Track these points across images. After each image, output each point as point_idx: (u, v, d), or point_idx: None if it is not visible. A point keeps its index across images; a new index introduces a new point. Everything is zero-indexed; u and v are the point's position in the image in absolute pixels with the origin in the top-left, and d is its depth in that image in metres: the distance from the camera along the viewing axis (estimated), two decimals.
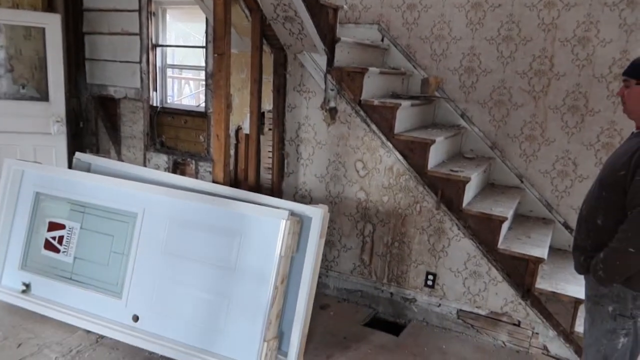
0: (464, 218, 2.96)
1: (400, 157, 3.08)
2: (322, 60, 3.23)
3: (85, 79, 5.54)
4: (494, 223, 2.89)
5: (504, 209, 2.98)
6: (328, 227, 3.31)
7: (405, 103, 3.20)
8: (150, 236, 2.73)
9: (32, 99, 5.11)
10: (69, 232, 2.96)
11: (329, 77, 3.23)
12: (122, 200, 2.84)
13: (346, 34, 3.94)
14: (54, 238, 2.98)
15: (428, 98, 3.63)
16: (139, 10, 5.09)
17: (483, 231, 2.92)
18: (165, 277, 2.66)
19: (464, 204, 2.98)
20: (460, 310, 3.08)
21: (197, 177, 5.02)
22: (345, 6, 3.39)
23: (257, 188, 3.37)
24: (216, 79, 2.85)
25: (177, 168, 5.07)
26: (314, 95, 3.30)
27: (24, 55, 5.21)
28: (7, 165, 3.09)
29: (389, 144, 3.11)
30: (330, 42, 3.20)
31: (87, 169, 3.39)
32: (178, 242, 2.66)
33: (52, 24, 4.92)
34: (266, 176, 3.52)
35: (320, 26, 3.09)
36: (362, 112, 3.16)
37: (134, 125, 5.34)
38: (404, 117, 3.21)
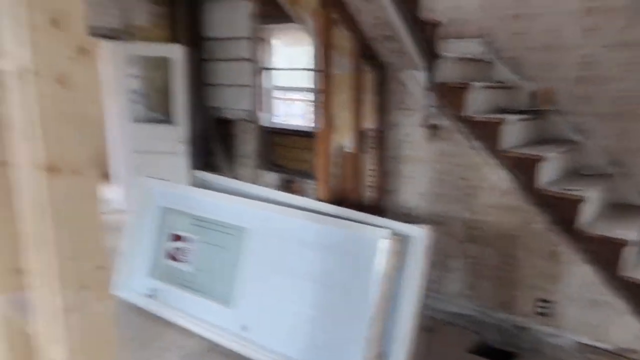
0: (580, 240, 2.73)
1: (507, 175, 2.94)
2: (422, 77, 3.21)
3: (205, 103, 6.06)
4: (615, 246, 2.63)
5: (628, 231, 2.70)
6: (432, 246, 3.27)
7: (511, 118, 3.06)
8: (258, 250, 2.91)
9: (161, 122, 5.72)
10: (188, 243, 3.25)
11: (429, 93, 3.20)
12: (233, 216, 3.06)
13: (448, 49, 3.88)
14: (176, 249, 3.30)
15: (537, 112, 3.42)
16: (250, 38, 5.46)
17: (603, 255, 2.67)
18: (271, 289, 2.81)
19: (581, 225, 2.75)
20: (579, 342, 2.83)
21: (304, 195, 5.22)
22: (445, 21, 3.35)
23: (360, 206, 3.42)
24: (319, 100, 2.98)
25: (285, 185, 5.32)
26: (414, 112, 3.29)
27: (155, 83, 5.86)
28: (141, 183, 3.50)
29: (494, 160, 2.99)
30: (430, 58, 3.18)
31: (204, 185, 3.71)
32: (283, 257, 2.80)
33: (177, 55, 5.48)
34: (369, 194, 3.56)
35: (419, 43, 3.08)
36: (464, 129, 3.08)
37: (246, 145, 5.71)
38: (511, 132, 3.07)
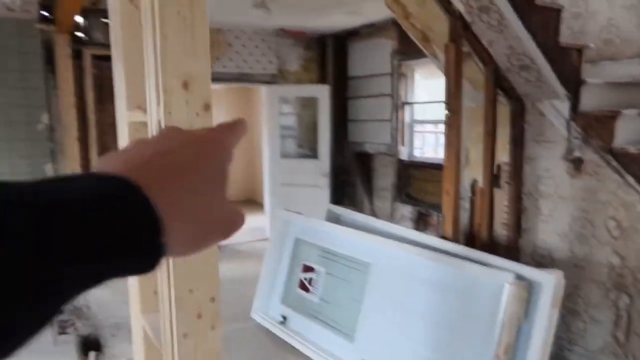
0: None
1: None
2: (564, 106, 2.96)
3: (347, 138, 6.34)
4: None
5: None
6: (571, 295, 2.93)
7: None
8: (381, 286, 2.93)
9: (306, 157, 6.14)
10: (317, 275, 3.41)
11: (572, 124, 2.92)
12: (359, 251, 3.14)
13: (599, 73, 3.50)
14: (306, 279, 3.49)
15: None
16: (391, 74, 5.60)
17: None
18: (391, 326, 2.80)
19: None
20: None
21: (438, 229, 5.08)
22: (592, 45, 3.04)
23: (490, 245, 3.23)
24: (447, 134, 2.94)
25: (420, 219, 5.25)
26: (554, 145, 3.03)
27: (303, 121, 6.34)
28: (279, 214, 3.80)
29: None
30: (573, 86, 2.91)
31: (337, 219, 3.88)
32: (404, 295, 2.78)
33: (323, 94, 5.87)
34: (502, 232, 3.34)
35: (560, 70, 2.86)
36: (614, 162, 2.74)
37: (384, 178, 5.79)
38: None
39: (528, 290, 2.28)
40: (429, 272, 2.66)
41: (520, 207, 3.24)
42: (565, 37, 3.65)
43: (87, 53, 5.08)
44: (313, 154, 6.02)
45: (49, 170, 5.03)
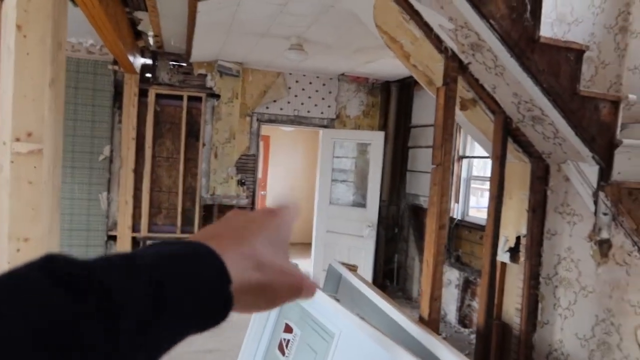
0: None
1: None
2: (592, 172, 2.32)
3: (403, 189, 5.87)
4: None
5: None
6: None
7: None
8: None
9: (356, 205, 5.79)
10: (294, 337, 3.04)
11: (601, 195, 2.27)
12: (329, 318, 2.73)
13: None
14: (284, 340, 3.13)
15: None
16: None
17: None
18: None
19: None
20: None
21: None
22: (631, 96, 2.35)
23: (486, 335, 2.60)
24: (431, 193, 2.47)
25: (467, 286, 4.56)
26: (580, 219, 2.38)
27: (357, 167, 6.02)
28: None
29: None
30: (603, 147, 2.27)
31: (339, 278, 3.48)
32: None
33: (376, 140, 5.54)
34: (516, 320, 2.68)
35: (582, 126, 2.25)
36: None
37: None
38: None
39: None
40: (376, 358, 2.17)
41: (536, 292, 2.57)
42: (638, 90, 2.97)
43: (152, 92, 5.41)
44: (363, 202, 5.65)
45: (103, 198, 5.35)
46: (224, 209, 5.69)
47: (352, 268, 3.52)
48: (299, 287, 0.44)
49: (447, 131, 2.41)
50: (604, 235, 2.24)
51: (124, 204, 5.46)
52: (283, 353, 3.10)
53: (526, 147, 2.61)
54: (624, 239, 2.14)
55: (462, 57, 2.36)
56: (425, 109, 5.64)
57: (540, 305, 2.56)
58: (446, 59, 2.39)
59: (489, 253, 2.61)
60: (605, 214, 2.24)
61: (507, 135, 2.55)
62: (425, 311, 2.43)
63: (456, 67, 2.39)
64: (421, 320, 2.44)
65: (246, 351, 3.45)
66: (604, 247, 2.23)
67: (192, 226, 5.61)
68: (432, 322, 2.41)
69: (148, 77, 5.44)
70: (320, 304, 2.85)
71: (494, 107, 2.52)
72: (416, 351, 2.04)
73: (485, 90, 2.46)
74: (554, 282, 2.49)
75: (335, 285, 3.42)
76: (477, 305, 4.54)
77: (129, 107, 5.39)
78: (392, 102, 6.01)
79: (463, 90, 2.53)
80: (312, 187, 8.40)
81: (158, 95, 5.48)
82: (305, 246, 8.02)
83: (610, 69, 3.15)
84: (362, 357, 2.31)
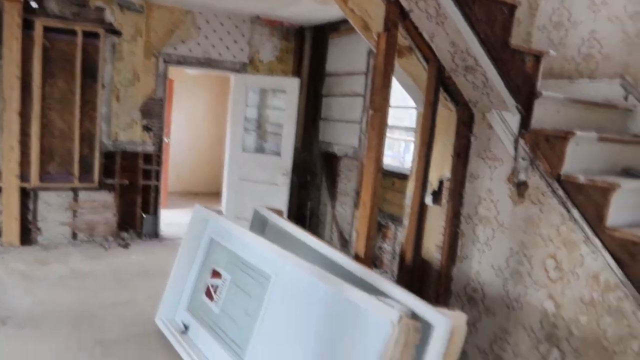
0: None
1: (613, 263, 2.08)
2: (514, 120, 2.53)
3: (316, 137, 5.93)
4: None
5: None
6: (500, 340, 2.51)
7: (631, 184, 2.19)
8: (276, 304, 2.52)
9: (270, 152, 5.74)
10: (223, 282, 3.01)
11: (521, 142, 2.49)
12: (263, 261, 2.74)
13: (575, 90, 3.07)
14: (212, 286, 3.09)
15: None
16: (366, 73, 5.19)
17: None
18: (276, 351, 2.39)
19: None
20: None
21: (394, 242, 4.67)
22: (552, 53, 2.60)
23: (416, 270, 2.81)
24: (368, 136, 2.52)
25: (378, 229, 4.83)
26: (500, 163, 2.60)
27: (268, 114, 5.93)
28: (196, 211, 3.41)
29: (596, 240, 2.15)
30: (525, 97, 2.48)
31: (264, 223, 3.48)
32: (295, 318, 2.37)
33: (291, 87, 5.46)
34: (437, 256, 2.92)
35: (510, 77, 2.42)
36: (560, 192, 2.30)
37: (348, 183, 5.38)
38: (630, 204, 2.19)
39: (418, 334, 1.86)
40: (322, 296, 2.25)
41: (456, 230, 2.81)
42: (543, 46, 3.23)
43: (39, 24, 4.74)
44: (277, 150, 5.62)
45: None
46: (128, 156, 5.32)
47: (278, 212, 3.54)
48: None
49: (387, 77, 2.45)
50: (522, 177, 2.48)
51: (9, 149, 4.87)
52: (211, 299, 3.10)
53: (454, 96, 2.75)
54: (539, 180, 2.39)
55: (404, 4, 2.39)
56: (340, 57, 5.67)
57: (460, 242, 2.80)
58: (388, 3, 2.39)
59: (418, 195, 2.77)
60: (523, 159, 2.47)
61: (440, 83, 2.66)
62: (361, 250, 2.54)
63: (397, 13, 2.41)
64: (357, 259, 2.55)
65: (168, 300, 3.38)
66: (521, 189, 2.48)
67: (91, 174, 5.19)
68: (368, 260, 2.54)
69: (33, 8, 4.77)
70: (253, 247, 2.86)
71: (430, 55, 2.60)
72: (357, 285, 2.15)
73: (423, 38, 2.53)
74: (474, 220, 2.73)
75: (261, 231, 3.42)
76: (388, 246, 4.85)
77: (10, 40, 4.72)
78: (306, 48, 5.94)
79: (400, 37, 2.57)
80: (218, 134, 8.16)
81: (47, 29, 4.84)
82: (212, 196, 7.85)
83: (522, 26, 3.41)
84: (303, 295, 2.38)
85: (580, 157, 2.36)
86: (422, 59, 2.69)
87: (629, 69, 2.89)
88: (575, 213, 2.23)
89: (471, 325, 2.69)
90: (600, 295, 2.11)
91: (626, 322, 2.01)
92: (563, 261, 2.27)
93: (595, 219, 2.16)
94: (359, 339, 2.01)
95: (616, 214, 2.13)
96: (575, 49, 3.20)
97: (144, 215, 5.47)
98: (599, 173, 2.37)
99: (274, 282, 2.59)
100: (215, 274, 3.09)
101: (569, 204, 2.26)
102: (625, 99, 2.87)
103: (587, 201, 2.20)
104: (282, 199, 5.41)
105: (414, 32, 2.53)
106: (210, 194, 8.13)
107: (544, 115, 2.51)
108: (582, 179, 2.23)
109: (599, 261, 2.13)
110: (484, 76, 2.45)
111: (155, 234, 5.56)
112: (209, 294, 3.08)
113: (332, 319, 2.17)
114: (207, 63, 5.59)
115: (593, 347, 2.13)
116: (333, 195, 5.64)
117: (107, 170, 5.24)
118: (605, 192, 2.13)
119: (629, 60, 2.89)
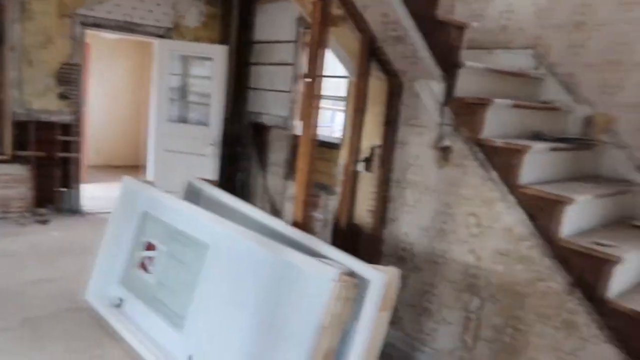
0: (607, 313, 2.06)
1: (525, 217, 2.33)
2: (439, 89, 2.69)
3: (244, 107, 5.88)
4: None
5: None
6: (427, 293, 2.73)
7: (540, 146, 2.44)
8: (215, 272, 2.56)
9: (197, 123, 5.61)
10: (158, 254, 2.99)
11: (445, 109, 2.67)
12: (199, 230, 2.74)
13: (493, 60, 3.30)
14: (147, 258, 3.05)
15: (588, 142, 2.75)
16: (295, 42, 5.19)
17: (633, 337, 1.98)
18: (221, 318, 2.44)
19: (610, 294, 2.08)
20: None
21: (324, 211, 4.81)
22: (475, 24, 2.79)
23: (350, 234, 2.96)
24: (303, 105, 2.58)
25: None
26: (427, 130, 2.77)
27: (194, 83, 5.77)
28: (125, 183, 3.31)
29: (510, 197, 2.39)
30: (450, 67, 2.65)
31: (197, 194, 3.45)
32: (235, 284, 2.42)
33: (219, 55, 5.33)
34: (368, 220, 3.08)
35: (436, 48, 2.58)
36: (480, 154, 2.52)
37: (278, 153, 5.42)
38: (539, 164, 2.45)
39: (356, 289, 1.99)
40: (262, 262, 2.32)
41: (387, 195, 2.97)
42: (466, 18, 3.41)
43: None
44: (204, 120, 5.51)
45: None
46: (43, 126, 4.98)
47: (213, 183, 3.53)
48: None
49: (321, 46, 2.51)
50: (446, 143, 2.67)
51: None
52: (146, 270, 3.06)
53: (385, 66, 2.87)
54: (461, 145, 2.59)
55: None
56: (269, 25, 5.61)
57: (390, 206, 2.97)
58: None
59: (352, 162, 2.89)
60: (447, 125, 2.66)
61: (374, 54, 2.76)
62: (299, 216, 2.63)
63: None
64: (295, 224, 2.64)
65: (99, 274, 3.30)
66: (445, 153, 2.68)
67: (1, 146, 4.81)
68: (305, 225, 2.63)
69: None
70: (189, 217, 2.85)
71: (362, 26, 2.68)
72: (295, 249, 2.24)
73: (356, 8, 2.60)
74: (402, 185, 2.90)
75: (195, 203, 3.40)
76: (319, 215, 4.99)
77: None
78: (233, 14, 5.80)
79: (334, 7, 2.62)
80: (138, 104, 7.80)
81: None
82: (133, 169, 7.54)
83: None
84: (243, 262, 2.43)
85: (497, 123, 2.58)
86: (355, 30, 2.77)
87: (540, 40, 3.15)
88: (493, 174, 2.46)
89: (401, 281, 2.90)
90: (514, 245, 2.36)
91: (534, 267, 2.28)
92: (482, 217, 2.50)
93: (510, 179, 2.40)
94: (299, 299, 2.11)
95: (528, 173, 2.38)
96: (493, 21, 3.42)
97: (63, 190, 5.19)
98: (513, 137, 2.61)
99: (212, 250, 2.61)
100: (150, 247, 3.05)
101: (488, 165, 2.48)
102: (536, 68, 3.15)
103: (504, 162, 2.43)
104: (211, 171, 5.35)
105: (348, 2, 2.60)
106: (131, 166, 7.80)
107: (466, 84, 2.70)
108: (498, 142, 2.45)
109: (513, 216, 2.37)
110: (413, 46, 2.58)
111: (76, 209, 5.30)
112: (143, 267, 3.04)
113: (272, 282, 2.24)
114: (127, 27, 5.30)
115: (507, 292, 2.39)
116: (263, 166, 5.66)
117: (21, 142, 4.87)
118: (519, 153, 2.37)
119: (540, 32, 3.16)
